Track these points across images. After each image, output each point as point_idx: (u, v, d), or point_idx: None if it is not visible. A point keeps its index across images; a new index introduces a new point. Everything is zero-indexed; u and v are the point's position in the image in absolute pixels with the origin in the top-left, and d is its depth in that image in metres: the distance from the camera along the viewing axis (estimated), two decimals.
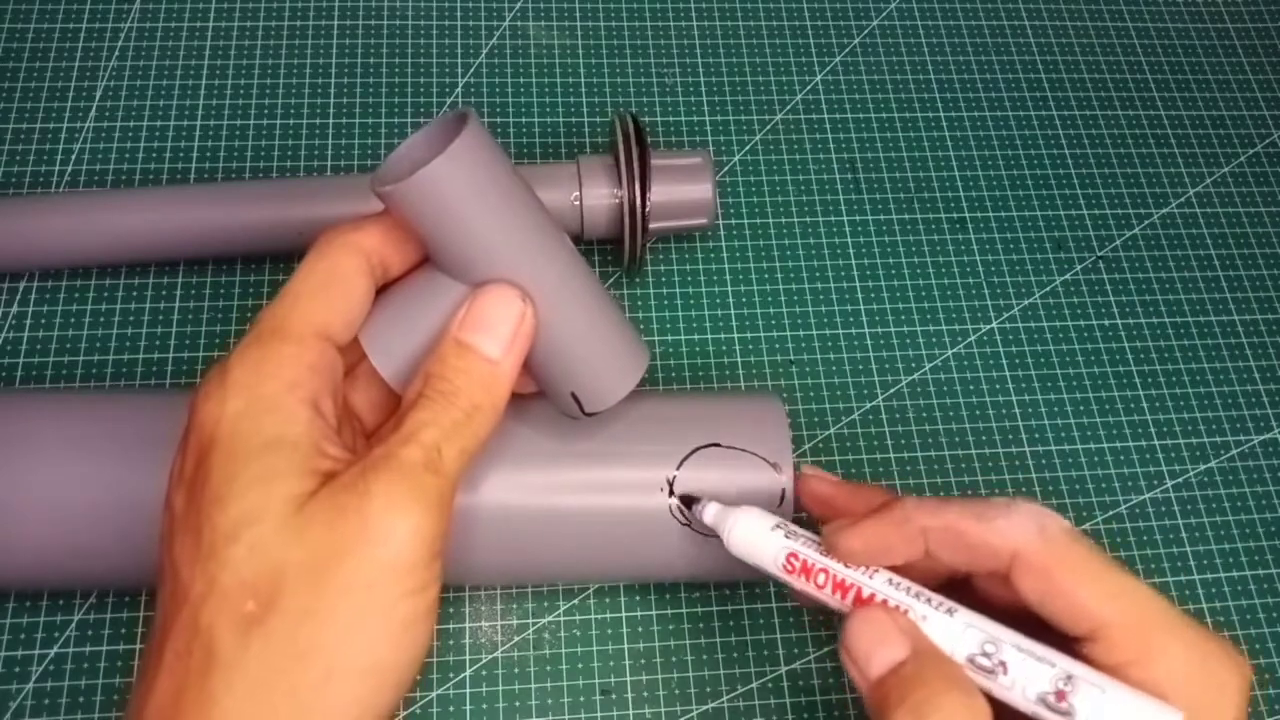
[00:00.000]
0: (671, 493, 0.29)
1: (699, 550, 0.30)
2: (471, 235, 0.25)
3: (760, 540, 0.26)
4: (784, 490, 0.29)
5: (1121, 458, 0.38)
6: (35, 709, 0.31)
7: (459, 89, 0.42)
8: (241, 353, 0.23)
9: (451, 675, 0.32)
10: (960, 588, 0.26)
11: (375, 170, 0.25)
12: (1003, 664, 0.23)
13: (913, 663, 0.23)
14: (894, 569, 0.25)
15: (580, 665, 0.33)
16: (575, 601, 0.34)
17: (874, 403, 0.38)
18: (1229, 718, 0.23)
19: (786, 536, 0.26)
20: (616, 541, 0.30)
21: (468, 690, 0.32)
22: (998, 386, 0.38)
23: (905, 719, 0.22)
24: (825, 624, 0.34)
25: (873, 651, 0.24)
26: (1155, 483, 0.37)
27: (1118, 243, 0.42)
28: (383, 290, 0.26)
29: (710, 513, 0.28)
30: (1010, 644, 0.23)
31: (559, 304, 0.26)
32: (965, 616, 0.24)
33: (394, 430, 0.24)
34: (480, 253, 0.25)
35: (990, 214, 0.42)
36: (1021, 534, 0.24)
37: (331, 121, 0.41)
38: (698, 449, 0.30)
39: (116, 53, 0.42)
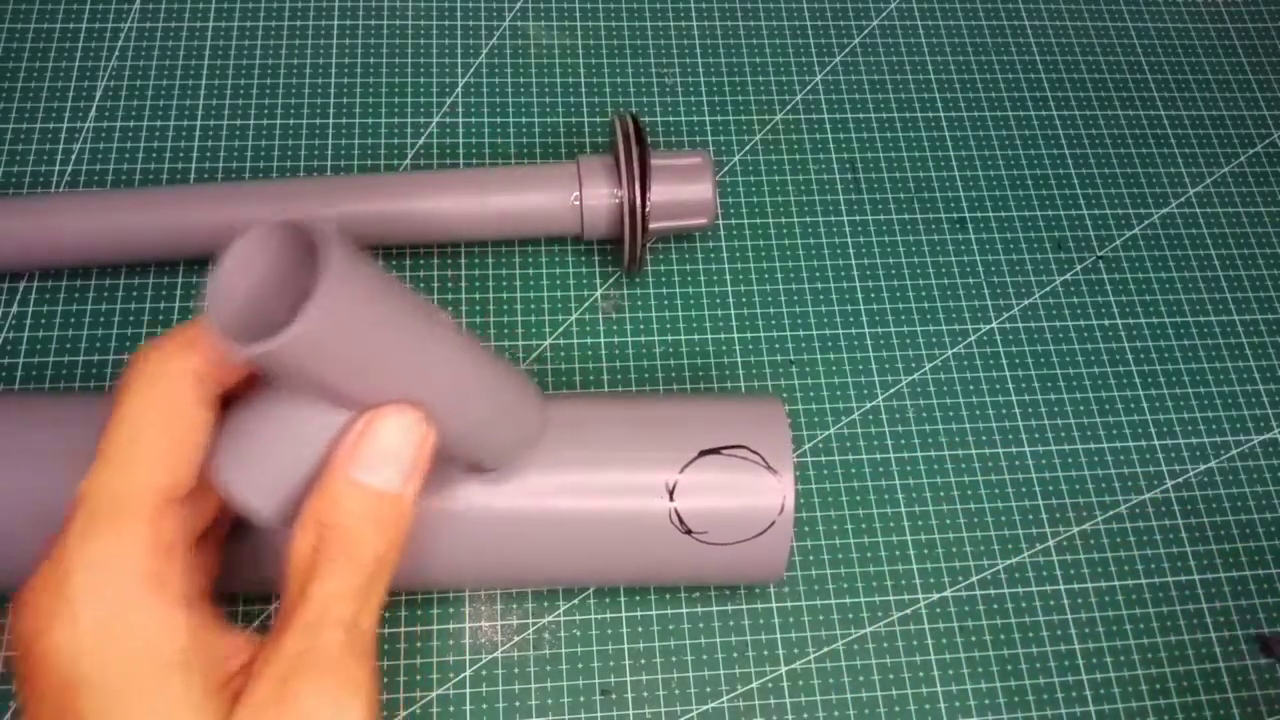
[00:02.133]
0: (672, 498, 0.29)
1: (700, 556, 0.30)
2: (359, 368, 0.20)
3: None
4: (784, 499, 0.29)
5: (1121, 458, 0.38)
6: None
7: (459, 89, 0.42)
8: (76, 548, 0.18)
9: (451, 675, 0.32)
10: None
11: (205, 306, 0.19)
12: None
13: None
14: None
15: (580, 665, 0.33)
16: (575, 601, 0.34)
17: (874, 402, 0.38)
18: None
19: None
20: (617, 547, 0.29)
21: (468, 690, 0.32)
22: (998, 386, 0.38)
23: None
24: (825, 623, 0.34)
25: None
26: (1155, 483, 0.37)
27: (1118, 243, 0.42)
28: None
29: None
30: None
31: (454, 397, 0.23)
32: None
33: (297, 607, 0.20)
34: (370, 382, 0.21)
35: (990, 214, 0.42)
36: None
37: (331, 121, 0.41)
38: (700, 454, 0.29)
39: (116, 53, 0.42)
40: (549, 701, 0.32)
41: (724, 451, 0.29)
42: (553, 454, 0.29)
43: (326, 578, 0.20)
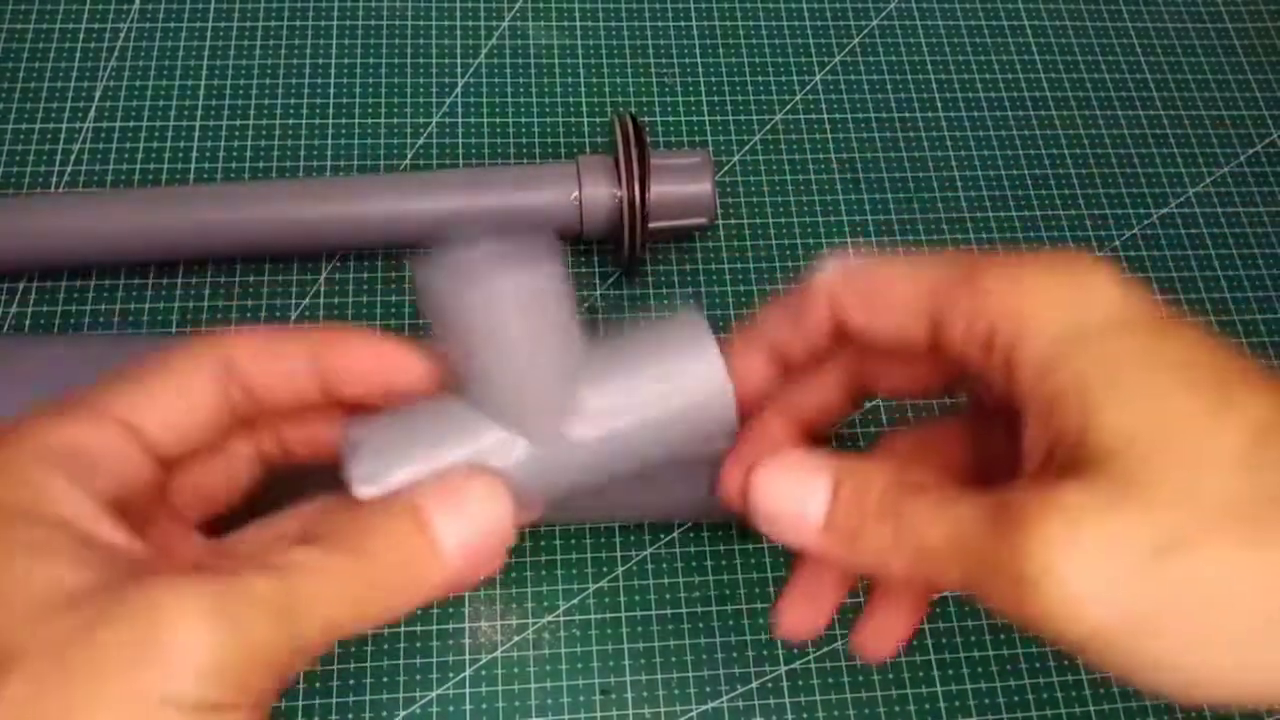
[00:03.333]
0: None
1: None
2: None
3: None
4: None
5: None
6: None
7: (459, 89, 0.42)
8: (32, 416, 0.19)
9: (451, 675, 0.32)
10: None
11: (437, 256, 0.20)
12: None
13: (847, 487, 0.20)
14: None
15: (580, 665, 0.33)
16: (575, 601, 0.34)
17: (874, 402, 0.38)
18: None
19: None
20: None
21: (467, 690, 0.32)
22: None
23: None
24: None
25: (801, 500, 0.20)
26: None
27: (1117, 243, 0.42)
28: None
29: None
30: None
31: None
32: None
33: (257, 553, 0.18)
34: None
35: (989, 214, 0.42)
36: (823, 276, 0.21)
37: (331, 121, 0.41)
38: None
39: (116, 53, 0.42)
40: (549, 701, 0.32)
41: None
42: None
43: (310, 547, 0.18)
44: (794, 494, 0.20)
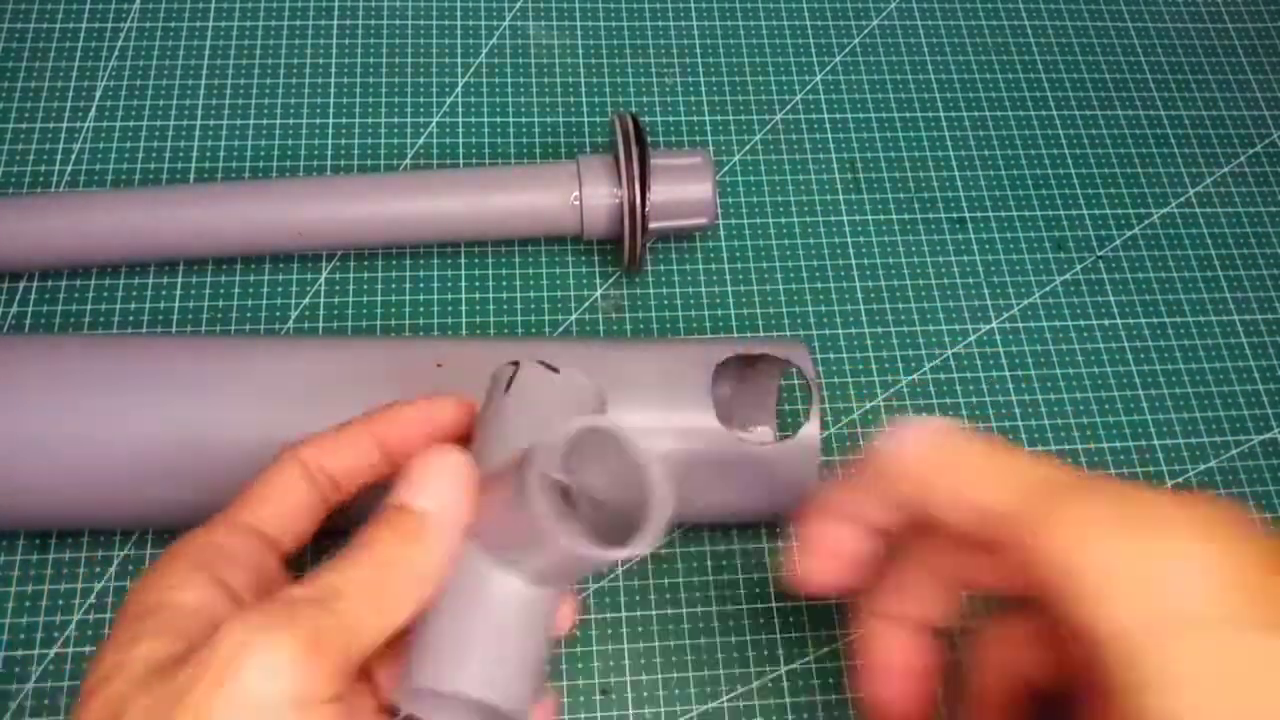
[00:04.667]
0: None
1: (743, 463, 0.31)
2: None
3: None
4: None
5: (1121, 458, 0.38)
6: (35, 709, 0.31)
7: (459, 89, 0.42)
8: (191, 532, 0.24)
9: None
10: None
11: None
12: None
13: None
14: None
15: (580, 665, 0.33)
16: (575, 601, 0.34)
17: (874, 403, 0.38)
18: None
19: None
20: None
21: None
22: (997, 386, 0.38)
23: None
24: (825, 623, 0.34)
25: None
26: (1155, 483, 0.37)
27: (1118, 242, 0.42)
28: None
29: None
30: None
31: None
32: None
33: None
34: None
35: (990, 214, 0.42)
36: (911, 460, 0.23)
37: (331, 121, 0.41)
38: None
39: (116, 52, 0.42)
40: None
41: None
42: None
43: (333, 559, 0.22)
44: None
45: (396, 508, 0.23)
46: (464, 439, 0.26)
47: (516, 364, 0.26)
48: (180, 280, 0.38)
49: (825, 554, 0.26)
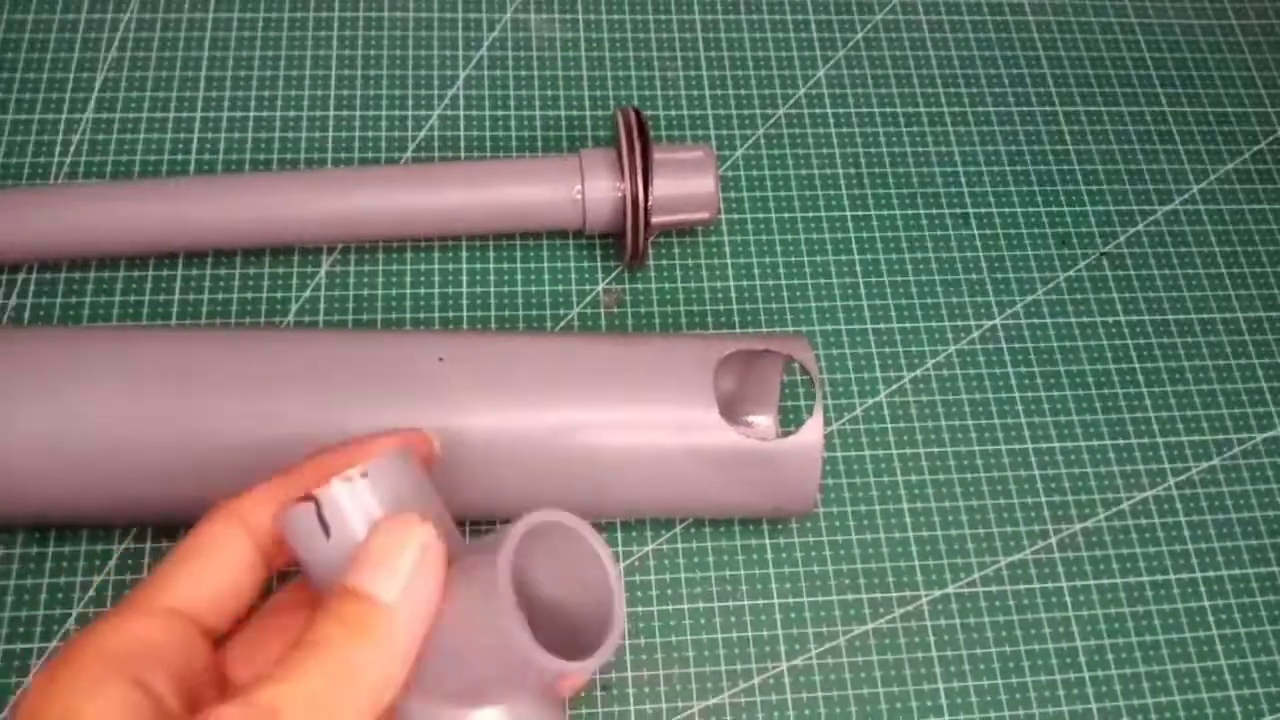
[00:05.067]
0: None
1: (740, 458, 0.31)
2: None
3: None
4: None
5: (1124, 454, 0.38)
6: None
7: (460, 81, 0.42)
8: (99, 618, 0.21)
9: None
10: None
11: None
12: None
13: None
14: None
15: None
16: None
17: (876, 399, 0.38)
18: None
19: None
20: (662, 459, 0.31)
21: None
22: (1001, 383, 0.38)
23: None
24: (826, 619, 0.34)
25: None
26: (1158, 480, 0.37)
27: (1122, 239, 0.42)
28: None
29: None
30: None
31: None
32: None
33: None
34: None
35: (994, 209, 0.42)
36: None
37: (332, 113, 0.41)
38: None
39: (116, 44, 0.41)
40: None
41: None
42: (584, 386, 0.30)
43: (280, 664, 0.19)
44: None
45: (351, 595, 0.20)
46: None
47: (309, 497, 0.21)
48: (180, 273, 0.37)
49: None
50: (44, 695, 0.19)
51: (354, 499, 0.21)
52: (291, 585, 0.24)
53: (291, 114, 0.41)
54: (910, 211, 0.41)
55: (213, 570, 0.21)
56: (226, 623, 0.22)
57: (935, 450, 0.37)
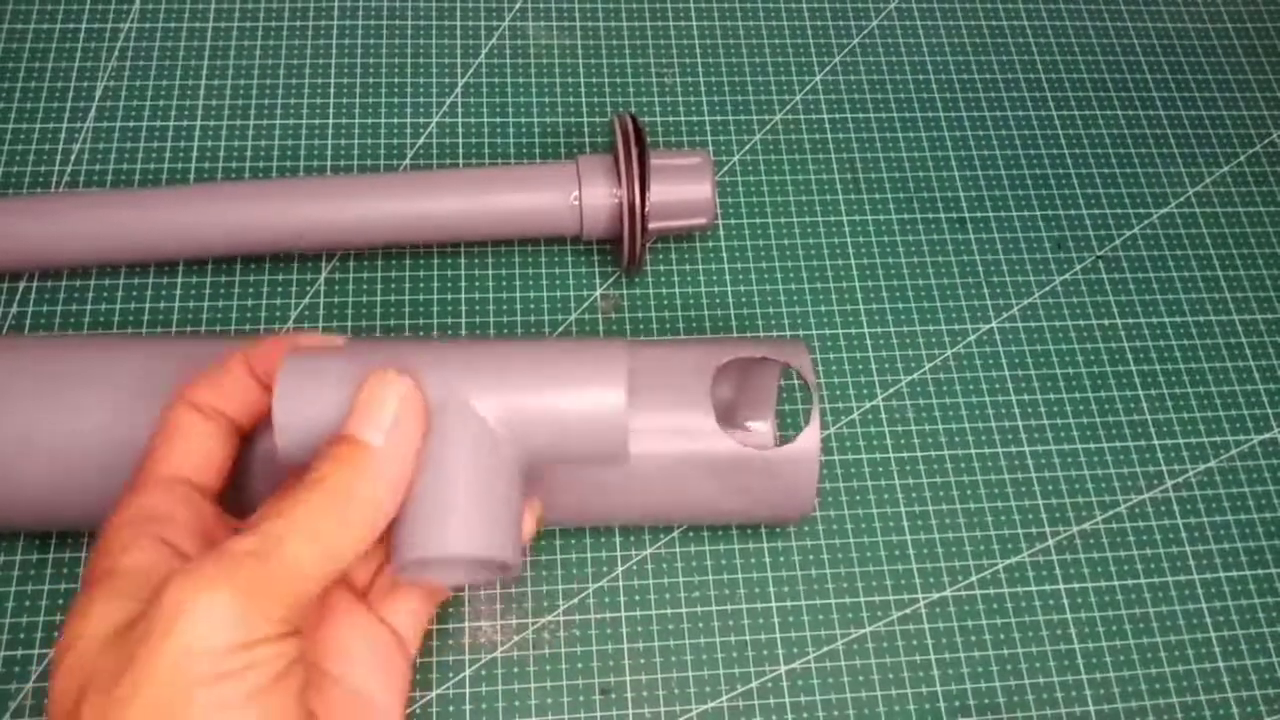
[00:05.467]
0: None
1: (738, 467, 0.31)
2: None
3: None
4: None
5: (1121, 457, 0.38)
6: (35, 709, 0.31)
7: (458, 89, 0.42)
8: (121, 496, 0.24)
9: (451, 675, 0.32)
10: None
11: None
12: None
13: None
14: None
15: (580, 665, 0.33)
16: (575, 601, 0.34)
17: (873, 402, 0.38)
18: None
19: None
20: (659, 467, 0.31)
21: (467, 690, 0.32)
22: (997, 386, 0.38)
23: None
24: (824, 623, 0.34)
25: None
26: (1155, 482, 0.37)
27: (1117, 242, 0.42)
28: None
29: None
30: None
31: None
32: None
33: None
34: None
35: (990, 214, 0.42)
36: None
37: (331, 121, 0.41)
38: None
39: (116, 53, 0.42)
40: (549, 701, 0.32)
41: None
42: None
43: (277, 498, 0.22)
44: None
45: (344, 440, 0.23)
46: None
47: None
48: (180, 280, 0.38)
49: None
50: (96, 555, 0.23)
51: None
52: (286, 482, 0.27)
53: (291, 122, 0.41)
54: (906, 216, 0.41)
55: (184, 446, 0.25)
56: (216, 480, 0.26)
57: (932, 454, 0.37)
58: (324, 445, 0.23)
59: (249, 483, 0.28)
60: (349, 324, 0.37)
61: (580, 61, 0.43)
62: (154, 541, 0.23)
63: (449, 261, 0.39)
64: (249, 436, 0.28)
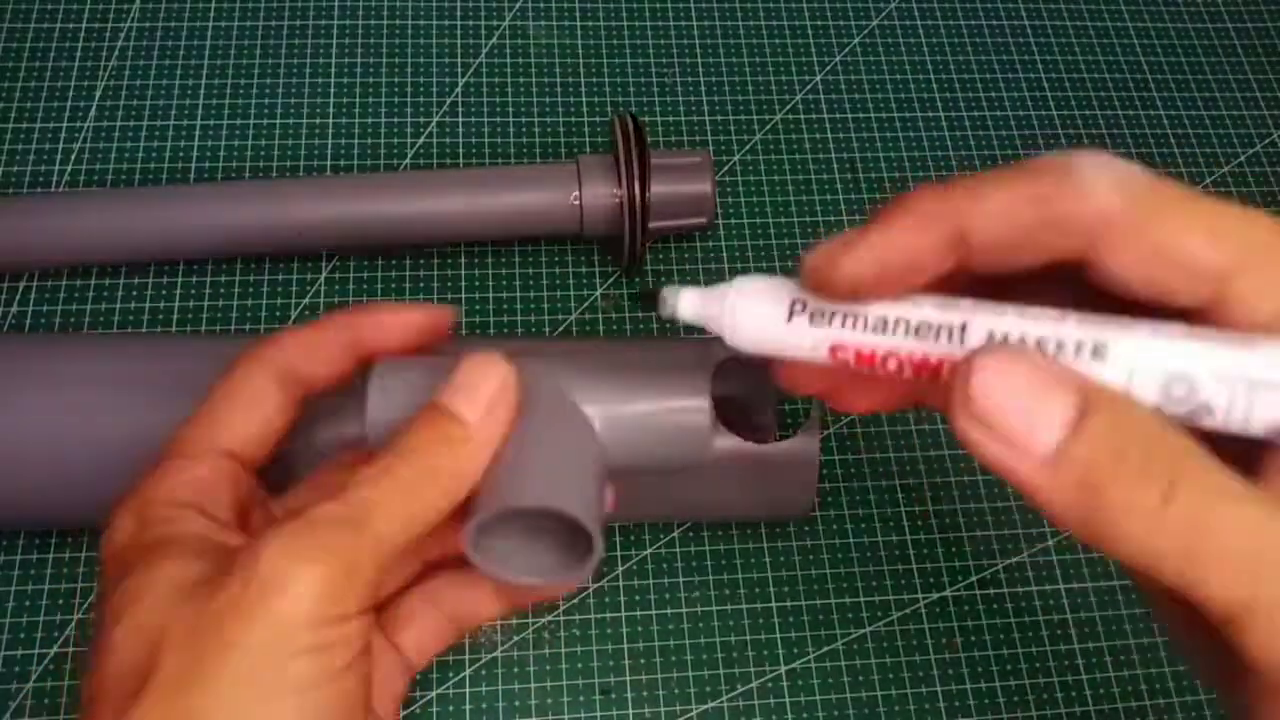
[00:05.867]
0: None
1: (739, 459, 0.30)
2: None
3: (782, 335, 0.21)
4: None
5: None
6: (35, 709, 0.31)
7: (459, 89, 0.42)
8: (145, 472, 0.24)
9: (451, 674, 0.32)
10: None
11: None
12: (1205, 405, 0.16)
13: (1102, 420, 0.16)
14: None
15: (580, 665, 0.33)
16: (575, 601, 0.34)
17: None
18: None
19: (813, 320, 0.20)
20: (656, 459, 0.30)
21: (467, 690, 0.32)
22: None
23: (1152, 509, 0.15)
24: (824, 623, 0.34)
25: (1032, 412, 0.16)
26: None
27: None
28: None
29: (688, 305, 0.23)
30: (1206, 372, 0.16)
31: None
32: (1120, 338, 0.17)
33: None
34: None
35: None
36: (1103, 192, 0.17)
37: (331, 121, 0.41)
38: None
39: (116, 52, 0.42)
40: (548, 701, 0.32)
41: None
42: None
43: (366, 465, 0.22)
44: (1024, 403, 0.16)
45: (441, 411, 0.23)
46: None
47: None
48: (180, 280, 0.38)
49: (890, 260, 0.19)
50: (134, 532, 0.22)
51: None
52: (335, 460, 0.27)
53: (291, 121, 0.41)
54: None
55: (247, 413, 0.24)
56: (263, 455, 0.25)
57: (932, 454, 0.37)
58: (416, 415, 0.23)
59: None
60: None
61: (580, 61, 0.43)
62: (195, 515, 0.23)
63: (449, 261, 0.39)
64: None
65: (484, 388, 0.23)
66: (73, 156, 0.39)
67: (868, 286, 0.18)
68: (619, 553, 0.35)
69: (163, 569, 0.21)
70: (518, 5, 0.44)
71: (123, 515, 0.23)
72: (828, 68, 0.44)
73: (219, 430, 0.24)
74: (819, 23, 0.45)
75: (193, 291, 0.37)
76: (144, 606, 0.20)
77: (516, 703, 0.32)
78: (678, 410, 0.26)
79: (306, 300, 0.38)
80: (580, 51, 0.44)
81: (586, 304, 0.38)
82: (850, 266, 0.18)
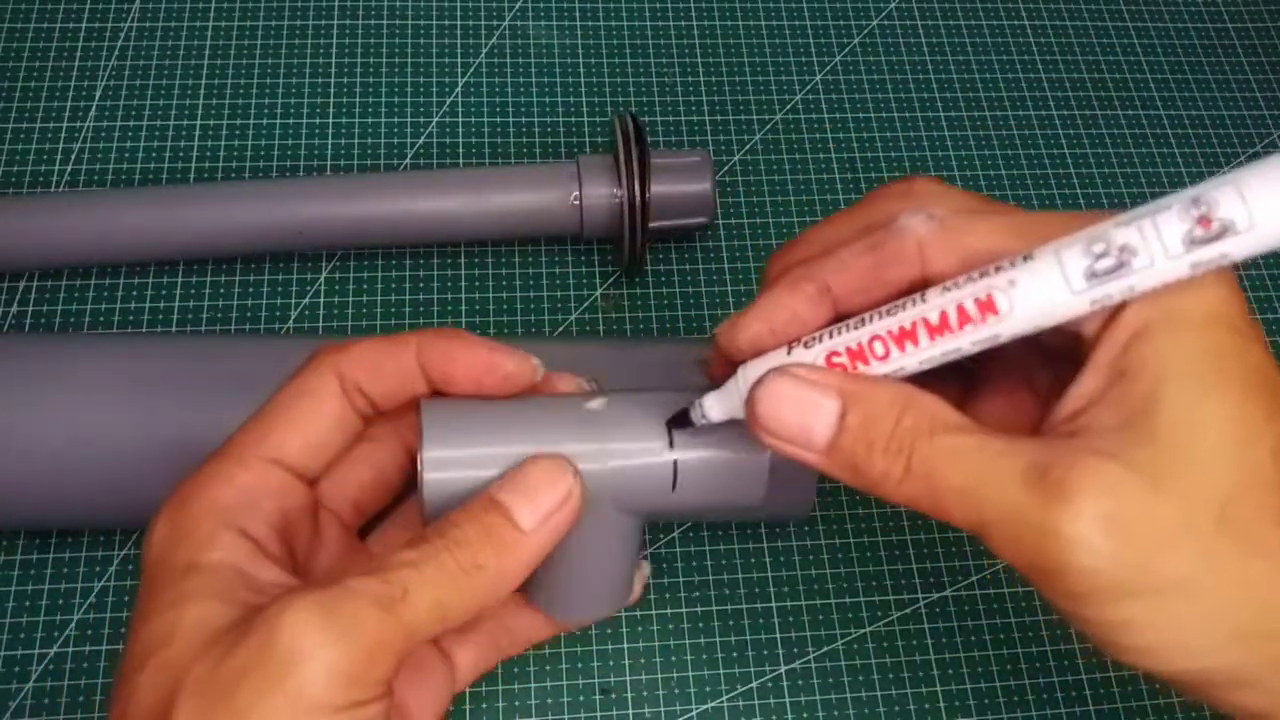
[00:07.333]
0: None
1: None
2: None
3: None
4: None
5: None
6: (35, 709, 0.31)
7: (459, 89, 0.42)
8: (190, 475, 0.23)
9: None
10: None
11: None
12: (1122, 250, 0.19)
13: (855, 416, 0.20)
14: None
15: (580, 664, 0.33)
16: None
17: None
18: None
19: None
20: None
21: (467, 690, 0.32)
22: None
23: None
24: (824, 623, 0.34)
25: (805, 419, 0.21)
26: None
27: None
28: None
29: (713, 408, 0.23)
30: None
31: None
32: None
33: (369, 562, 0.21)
34: None
35: None
36: (918, 229, 0.21)
37: (331, 121, 0.41)
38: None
39: (116, 52, 0.42)
40: (548, 701, 0.32)
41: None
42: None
43: (412, 546, 0.21)
44: (800, 413, 0.21)
45: (497, 509, 0.22)
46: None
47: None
48: (180, 280, 0.38)
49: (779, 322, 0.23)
50: (171, 541, 0.21)
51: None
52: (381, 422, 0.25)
53: (291, 122, 0.41)
54: None
55: (309, 423, 0.23)
56: (319, 468, 0.24)
57: None
58: (473, 504, 0.22)
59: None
60: (349, 324, 0.37)
61: (580, 61, 0.43)
62: (236, 536, 0.21)
63: (449, 261, 0.39)
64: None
65: (548, 496, 0.22)
66: (73, 156, 0.39)
67: (765, 344, 0.23)
68: None
69: (189, 613, 0.20)
70: (518, 5, 0.44)
71: (163, 521, 0.22)
72: (828, 68, 0.44)
73: (271, 437, 0.23)
74: (819, 23, 0.45)
75: (193, 291, 0.37)
76: (170, 655, 0.20)
77: (516, 703, 0.32)
78: (741, 461, 0.25)
79: (306, 300, 0.38)
80: (580, 51, 0.44)
81: (586, 304, 0.38)
82: (748, 332, 0.23)
